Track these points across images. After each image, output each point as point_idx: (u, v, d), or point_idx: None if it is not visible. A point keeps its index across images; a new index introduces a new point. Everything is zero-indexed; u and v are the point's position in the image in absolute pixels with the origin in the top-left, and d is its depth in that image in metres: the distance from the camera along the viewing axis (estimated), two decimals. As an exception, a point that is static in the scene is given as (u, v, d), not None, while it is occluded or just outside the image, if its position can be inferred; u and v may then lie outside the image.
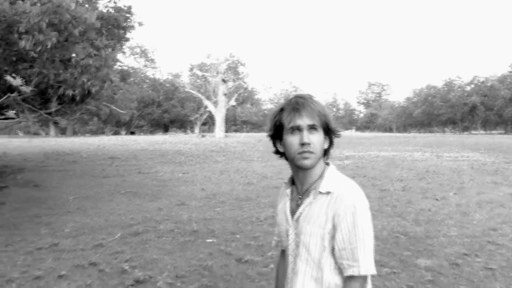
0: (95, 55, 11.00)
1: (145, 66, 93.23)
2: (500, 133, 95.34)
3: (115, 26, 12.05)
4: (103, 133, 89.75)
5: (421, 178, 16.13)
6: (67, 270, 6.54)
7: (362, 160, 23.33)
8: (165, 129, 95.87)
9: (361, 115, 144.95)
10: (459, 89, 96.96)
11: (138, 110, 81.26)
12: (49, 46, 8.31)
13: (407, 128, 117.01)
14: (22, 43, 8.01)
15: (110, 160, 24.23)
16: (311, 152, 2.19)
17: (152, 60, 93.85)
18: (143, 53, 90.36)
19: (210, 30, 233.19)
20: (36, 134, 72.62)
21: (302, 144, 2.18)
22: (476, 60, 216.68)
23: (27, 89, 7.99)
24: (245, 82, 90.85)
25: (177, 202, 12.05)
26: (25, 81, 8.49)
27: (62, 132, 78.23)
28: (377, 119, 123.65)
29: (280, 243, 2.50)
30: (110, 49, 12.28)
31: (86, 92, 11.13)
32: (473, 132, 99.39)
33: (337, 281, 2.13)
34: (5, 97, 8.74)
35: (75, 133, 79.03)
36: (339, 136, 2.34)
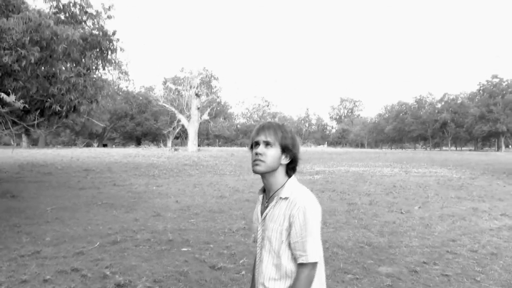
0: (84, 74, 11.48)
1: (119, 78, 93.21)
2: (470, 150, 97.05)
3: (99, 49, 12.51)
4: (75, 144, 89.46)
5: (388, 192, 16.75)
6: (51, 275, 6.96)
7: (332, 175, 23.96)
8: (138, 142, 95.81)
9: (333, 130, 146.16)
10: (430, 106, 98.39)
11: (111, 123, 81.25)
12: (32, 61, 8.74)
13: (378, 144, 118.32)
14: (5, 59, 8.42)
15: (85, 172, 24.55)
16: (261, 161, 2.70)
17: (125, 73, 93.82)
18: (117, 65, 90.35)
19: (184, 44, 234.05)
20: (6, 144, 72.19)
21: (256, 154, 2.71)
22: (447, 77, 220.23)
23: (20, 105, 8.39)
24: (218, 96, 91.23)
25: (152, 214, 12.45)
26: (8, 95, 8.90)
27: (34, 143, 77.82)
28: (349, 134, 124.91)
29: (254, 237, 3.03)
30: (99, 70, 12.78)
31: (72, 108, 11.56)
32: (444, 148, 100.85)
33: (292, 267, 2.66)
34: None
35: (47, 144, 78.63)
36: (295, 156, 2.83)
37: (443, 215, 12.29)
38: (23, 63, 8.70)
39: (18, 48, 8.47)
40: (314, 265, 2.65)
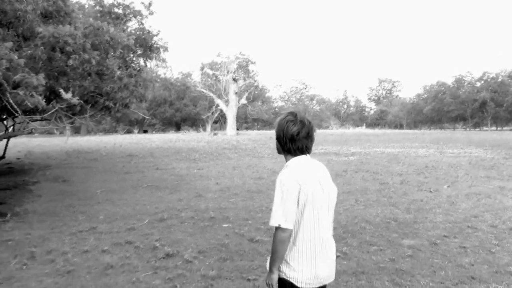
0: (135, 75, 12.43)
1: (156, 65, 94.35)
2: (511, 130, 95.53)
3: (144, 47, 13.42)
4: (116, 131, 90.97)
5: (420, 172, 17.28)
6: (108, 246, 7.90)
7: (367, 156, 24.51)
8: (177, 127, 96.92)
9: (372, 112, 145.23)
10: (469, 85, 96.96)
11: (150, 110, 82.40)
12: (94, 63, 9.65)
13: (417, 125, 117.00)
14: (70, 62, 9.32)
15: (129, 157, 25.57)
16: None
17: (163, 60, 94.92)
18: (162, 62, 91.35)
19: (220, 29, 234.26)
20: (50, 133, 73.94)
21: None
22: (487, 56, 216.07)
23: (76, 101, 9.29)
24: (255, 80, 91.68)
25: (194, 194, 13.33)
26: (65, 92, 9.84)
27: (76, 131, 79.47)
28: (387, 115, 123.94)
29: None
30: (149, 69, 13.74)
31: (124, 105, 12.50)
32: (484, 128, 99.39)
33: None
34: (55, 109, 10.08)
35: (88, 132, 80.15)
36: (279, 141, 3.57)
37: (470, 194, 12.79)
38: (85, 65, 9.60)
39: (81, 52, 9.37)
40: (281, 229, 3.26)
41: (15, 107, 8.98)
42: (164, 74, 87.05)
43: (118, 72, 12.44)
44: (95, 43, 9.77)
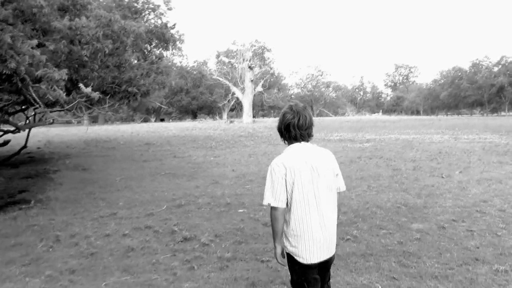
0: (156, 62, 12.86)
1: (172, 54, 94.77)
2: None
3: (161, 39, 13.80)
4: (133, 120, 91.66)
5: (433, 158, 17.47)
6: (129, 230, 8.29)
7: (382, 143, 24.71)
8: (194, 115, 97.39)
9: (388, 98, 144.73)
10: (486, 70, 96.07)
11: (166, 98, 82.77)
12: (107, 52, 10.03)
13: (434, 111, 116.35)
14: (84, 52, 9.70)
15: (146, 146, 26.01)
16: None
17: (179, 48, 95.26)
18: (178, 51, 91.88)
19: (235, 16, 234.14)
20: (68, 122, 74.67)
21: None
22: (505, 40, 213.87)
23: (96, 95, 9.68)
24: (271, 68, 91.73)
25: (211, 181, 13.68)
26: (85, 83, 10.25)
27: (94, 120, 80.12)
28: (403, 102, 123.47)
29: None
30: (163, 58, 14.17)
31: (145, 93, 12.90)
32: (502, 114, 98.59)
33: None
34: (75, 102, 10.50)
35: (106, 121, 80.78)
36: (279, 131, 4.09)
37: (481, 179, 12.96)
38: (98, 54, 9.99)
39: (94, 42, 9.74)
40: (273, 207, 3.84)
41: (37, 100, 9.36)
42: (180, 62, 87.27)
43: (135, 61, 12.82)
44: (107, 33, 10.14)
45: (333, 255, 4.02)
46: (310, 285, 3.90)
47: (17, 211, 10.21)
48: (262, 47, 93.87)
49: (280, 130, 4.02)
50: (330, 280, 4.27)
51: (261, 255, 6.84)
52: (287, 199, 3.82)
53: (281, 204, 3.79)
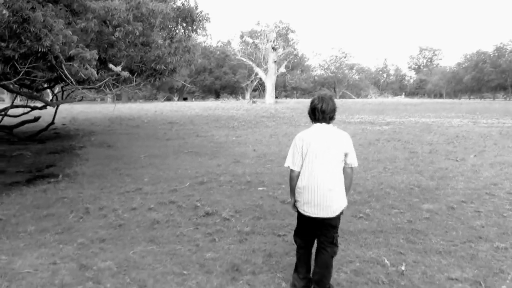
0: (184, 40, 13.35)
1: (197, 33, 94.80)
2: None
3: (189, 19, 14.23)
4: (156, 99, 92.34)
5: (450, 142, 17.74)
6: (154, 205, 8.78)
7: (401, 126, 24.98)
8: (217, 95, 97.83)
9: (411, 81, 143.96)
10: (510, 54, 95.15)
11: (190, 77, 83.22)
12: (137, 34, 10.50)
13: (457, 94, 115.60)
14: (116, 34, 10.18)
15: (170, 124, 26.56)
16: None
17: (203, 28, 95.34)
18: (204, 31, 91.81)
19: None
20: (91, 100, 75.43)
21: None
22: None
23: (126, 74, 10.17)
24: (295, 49, 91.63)
25: (232, 160, 14.12)
26: (114, 62, 10.75)
27: (117, 98, 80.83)
28: (426, 85, 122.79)
29: None
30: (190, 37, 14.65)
31: (173, 70, 13.40)
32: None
33: None
34: (105, 80, 11.01)
35: (129, 99, 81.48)
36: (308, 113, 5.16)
37: (494, 163, 13.25)
38: (130, 36, 10.46)
39: (125, 25, 10.22)
40: (291, 170, 5.03)
41: (70, 77, 9.86)
42: (204, 42, 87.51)
43: (160, 41, 13.27)
44: (137, 15, 10.61)
45: (330, 218, 4.90)
46: (302, 231, 5.22)
47: (46, 185, 10.73)
48: (286, 28, 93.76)
49: (308, 112, 5.08)
50: (334, 247, 5.04)
51: (278, 230, 7.29)
52: (301, 164, 4.92)
53: (297, 168, 4.95)
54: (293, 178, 5.02)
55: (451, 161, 13.66)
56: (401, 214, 8.22)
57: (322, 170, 4.81)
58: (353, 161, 4.95)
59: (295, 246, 5.35)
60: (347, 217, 7.87)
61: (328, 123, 4.94)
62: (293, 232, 5.46)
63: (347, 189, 5.04)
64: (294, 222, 6.02)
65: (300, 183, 4.94)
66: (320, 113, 4.90)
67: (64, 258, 6.07)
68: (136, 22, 10.54)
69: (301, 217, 5.11)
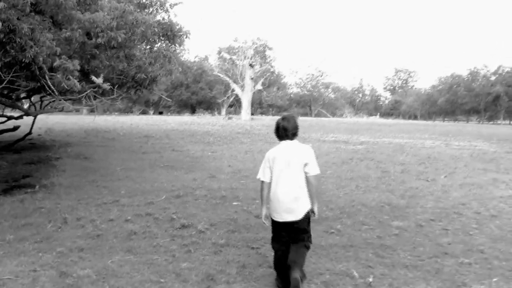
0: (165, 50, 13.60)
1: (174, 50, 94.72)
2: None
3: (170, 32, 14.49)
4: (131, 112, 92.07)
5: (421, 163, 18.10)
6: (131, 216, 8.98)
7: (375, 145, 25.31)
8: (192, 110, 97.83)
9: (386, 101, 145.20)
10: (483, 78, 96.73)
11: (166, 91, 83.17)
12: (119, 41, 10.71)
13: (431, 116, 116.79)
14: (99, 40, 10.39)
15: (145, 138, 26.64)
16: None
17: (183, 44, 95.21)
18: (183, 46, 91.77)
19: (238, 13, 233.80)
20: (67, 111, 75.02)
21: None
22: (503, 50, 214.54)
23: (107, 86, 10.37)
24: (272, 66, 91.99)
25: (208, 175, 14.31)
26: (95, 74, 10.94)
27: (92, 110, 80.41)
28: (401, 106, 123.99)
29: None
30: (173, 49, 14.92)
31: (153, 79, 13.64)
32: (498, 122, 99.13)
33: None
34: (88, 91, 11.20)
35: (104, 111, 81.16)
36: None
37: (464, 184, 13.62)
38: (112, 43, 10.69)
39: (108, 31, 10.44)
40: (260, 180, 5.83)
41: (53, 88, 10.05)
42: (182, 56, 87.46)
43: (139, 53, 13.54)
44: (120, 24, 10.85)
45: (298, 221, 5.62)
46: (276, 237, 5.84)
47: (23, 195, 10.85)
48: (264, 45, 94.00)
49: (274, 130, 5.90)
50: (305, 249, 5.77)
51: (252, 243, 7.54)
52: (270, 176, 5.70)
53: (266, 179, 5.74)
54: (263, 188, 5.77)
55: (422, 181, 14.01)
56: (371, 230, 8.52)
57: (287, 180, 5.61)
58: (313, 170, 5.62)
59: (269, 258, 5.76)
60: (319, 232, 8.17)
61: (292, 139, 5.77)
62: (266, 245, 6.23)
63: (312, 195, 5.72)
64: (268, 236, 6.33)
65: (270, 193, 5.70)
66: (283, 130, 5.74)
67: (44, 266, 6.25)
68: (119, 30, 10.77)
69: (274, 224, 5.80)
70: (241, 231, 8.33)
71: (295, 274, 5.28)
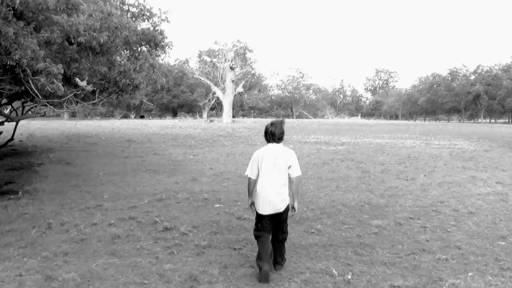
0: (148, 58, 13.72)
1: (158, 57, 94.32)
2: (504, 122, 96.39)
3: (152, 42, 14.58)
4: (113, 116, 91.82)
5: (401, 162, 18.38)
6: (114, 220, 9.07)
7: (355, 146, 25.62)
8: (174, 113, 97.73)
9: (367, 102, 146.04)
10: (463, 78, 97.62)
11: (147, 95, 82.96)
12: (101, 42, 10.78)
13: (412, 116, 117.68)
14: (81, 39, 10.45)
15: (127, 142, 26.73)
16: None
17: (162, 47, 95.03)
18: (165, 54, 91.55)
19: (218, 16, 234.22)
20: (47, 116, 74.69)
21: None
22: (482, 49, 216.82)
23: (90, 88, 10.48)
24: (252, 68, 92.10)
25: (190, 178, 14.45)
26: (77, 77, 11.03)
27: (73, 114, 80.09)
28: (382, 106, 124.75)
29: None
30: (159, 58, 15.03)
31: (135, 86, 13.72)
32: (478, 121, 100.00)
33: None
34: (71, 95, 11.28)
35: (86, 116, 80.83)
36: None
37: (443, 182, 13.87)
38: (93, 42, 10.75)
39: (91, 31, 10.52)
40: (248, 177, 6.53)
41: (36, 91, 10.12)
42: (162, 60, 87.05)
43: (123, 59, 13.65)
44: (104, 26, 10.94)
45: (281, 213, 6.37)
46: (261, 227, 6.43)
47: (7, 201, 10.86)
48: (244, 48, 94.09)
49: (264, 134, 6.58)
50: (284, 234, 6.65)
51: (234, 244, 7.68)
52: (257, 174, 6.40)
53: (253, 176, 6.46)
54: (250, 184, 6.54)
55: (402, 180, 14.23)
56: (351, 229, 8.71)
57: (271, 178, 6.32)
58: (295, 171, 6.39)
59: (250, 258, 6.12)
60: (299, 232, 8.38)
61: (278, 143, 6.43)
62: (248, 246, 6.97)
63: (294, 193, 6.47)
64: (249, 237, 6.68)
65: (256, 189, 6.44)
66: (271, 135, 6.40)
67: (30, 271, 6.34)
68: (102, 32, 10.85)
69: (258, 216, 6.46)
70: (223, 232, 8.46)
71: (276, 269, 6.55)
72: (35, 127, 38.32)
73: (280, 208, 6.33)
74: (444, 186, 13.27)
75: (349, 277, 6.16)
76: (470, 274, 6.38)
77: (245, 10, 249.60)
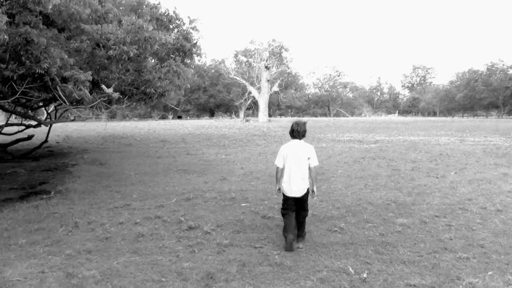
0: (175, 66, 13.89)
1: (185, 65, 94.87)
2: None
3: (181, 51, 14.78)
4: (150, 117, 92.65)
5: (433, 160, 18.22)
6: (140, 219, 9.22)
7: (388, 144, 25.46)
8: (211, 113, 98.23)
9: (405, 99, 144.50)
10: (501, 73, 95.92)
11: (184, 96, 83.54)
12: (131, 55, 10.98)
13: (450, 112, 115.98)
14: (111, 52, 10.65)
15: (162, 143, 27.02)
16: None
17: (197, 47, 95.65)
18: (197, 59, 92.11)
19: (254, 15, 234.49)
20: (84, 119, 75.66)
21: None
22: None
23: (116, 96, 10.67)
24: (288, 67, 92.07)
25: (220, 178, 14.58)
26: (106, 84, 11.25)
27: (112, 116, 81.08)
28: (419, 103, 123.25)
29: None
30: (186, 67, 15.22)
31: (161, 94, 13.94)
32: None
33: None
34: (97, 101, 11.50)
35: (124, 117, 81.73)
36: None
37: (473, 180, 13.69)
38: (123, 56, 10.94)
39: (121, 45, 10.70)
40: (276, 166, 7.82)
41: (64, 98, 10.34)
42: (199, 61, 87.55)
43: (150, 67, 13.86)
44: (134, 39, 11.10)
45: (302, 195, 7.72)
46: (287, 206, 7.77)
47: (39, 201, 11.14)
48: (280, 47, 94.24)
49: (289, 132, 7.93)
50: (305, 212, 8.01)
51: (255, 242, 7.74)
52: (283, 164, 7.70)
53: (280, 165, 7.74)
54: (278, 172, 7.81)
55: (431, 178, 14.09)
56: (374, 228, 8.68)
57: (295, 167, 7.63)
58: (314, 162, 7.73)
59: (270, 257, 6.72)
60: (322, 230, 8.43)
61: (300, 139, 7.77)
62: (269, 244, 7.58)
63: (314, 179, 7.81)
64: (271, 236, 6.97)
65: (283, 176, 7.74)
66: (296, 132, 7.75)
67: (52, 268, 6.51)
68: (132, 45, 11.01)
69: (285, 197, 7.79)
70: (246, 231, 8.53)
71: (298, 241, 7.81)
72: (72, 129, 39.03)
73: (302, 192, 7.68)
74: (473, 184, 13.11)
75: (365, 275, 6.16)
76: (489, 273, 6.31)
77: (281, 9, 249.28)
